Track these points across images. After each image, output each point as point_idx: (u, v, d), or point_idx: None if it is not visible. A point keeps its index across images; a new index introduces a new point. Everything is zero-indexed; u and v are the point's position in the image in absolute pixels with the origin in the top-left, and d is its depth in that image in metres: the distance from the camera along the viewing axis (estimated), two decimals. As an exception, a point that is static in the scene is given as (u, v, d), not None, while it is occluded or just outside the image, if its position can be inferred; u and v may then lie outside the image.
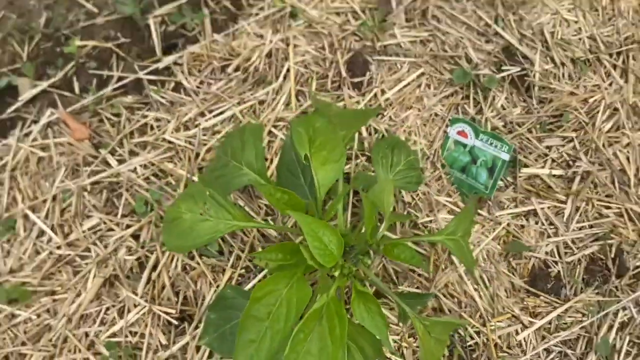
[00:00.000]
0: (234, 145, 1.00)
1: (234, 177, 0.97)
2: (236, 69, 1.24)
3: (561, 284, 1.05)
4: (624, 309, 1.03)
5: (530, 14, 1.27)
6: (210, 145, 1.15)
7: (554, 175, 1.12)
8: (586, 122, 1.15)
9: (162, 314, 1.02)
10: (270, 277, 0.79)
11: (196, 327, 1.01)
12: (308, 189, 0.99)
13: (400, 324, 1.00)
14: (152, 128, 1.20)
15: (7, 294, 1.06)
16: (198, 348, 0.99)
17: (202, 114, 1.19)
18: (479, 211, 1.09)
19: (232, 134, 1.04)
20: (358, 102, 1.18)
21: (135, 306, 1.04)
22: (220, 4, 1.34)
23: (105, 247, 1.09)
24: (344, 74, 1.21)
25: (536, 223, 1.09)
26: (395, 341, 0.99)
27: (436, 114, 1.18)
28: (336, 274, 0.84)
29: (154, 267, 1.07)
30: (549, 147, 1.14)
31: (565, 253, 1.07)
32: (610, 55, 1.23)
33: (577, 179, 1.11)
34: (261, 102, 1.20)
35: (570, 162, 1.13)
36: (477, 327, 1.01)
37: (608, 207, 1.10)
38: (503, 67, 1.21)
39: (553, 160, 1.13)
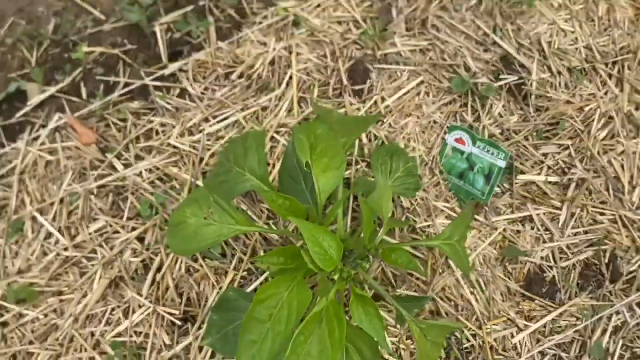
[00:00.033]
0: (236, 152, 1.01)
1: (237, 183, 0.99)
2: (240, 76, 1.26)
3: (556, 289, 1.06)
4: (618, 313, 1.05)
5: (528, 24, 1.29)
6: (214, 150, 1.17)
7: (550, 182, 1.14)
8: (582, 130, 1.17)
9: (166, 315, 1.04)
10: (271, 280, 0.81)
11: (199, 328, 1.03)
12: (309, 194, 1.00)
13: (398, 326, 1.02)
14: (157, 133, 1.22)
15: (15, 294, 1.08)
16: (201, 348, 1.01)
17: (206, 120, 1.22)
18: (476, 217, 1.11)
19: (235, 140, 1.05)
20: (359, 109, 1.20)
21: (139, 307, 1.06)
22: (224, 12, 1.36)
23: (111, 249, 1.11)
24: (345, 81, 1.23)
25: (532, 228, 1.11)
26: (393, 343, 1.01)
27: (435, 122, 1.20)
28: (335, 277, 0.86)
29: (159, 269, 1.09)
30: (545, 155, 1.16)
31: (560, 258, 1.09)
32: (606, 64, 1.25)
33: (572, 185, 1.13)
34: (264, 109, 1.22)
35: (566, 169, 1.14)
36: (473, 330, 1.02)
37: (602, 214, 1.11)
38: (501, 76, 1.23)
39: (549, 167, 1.15)
